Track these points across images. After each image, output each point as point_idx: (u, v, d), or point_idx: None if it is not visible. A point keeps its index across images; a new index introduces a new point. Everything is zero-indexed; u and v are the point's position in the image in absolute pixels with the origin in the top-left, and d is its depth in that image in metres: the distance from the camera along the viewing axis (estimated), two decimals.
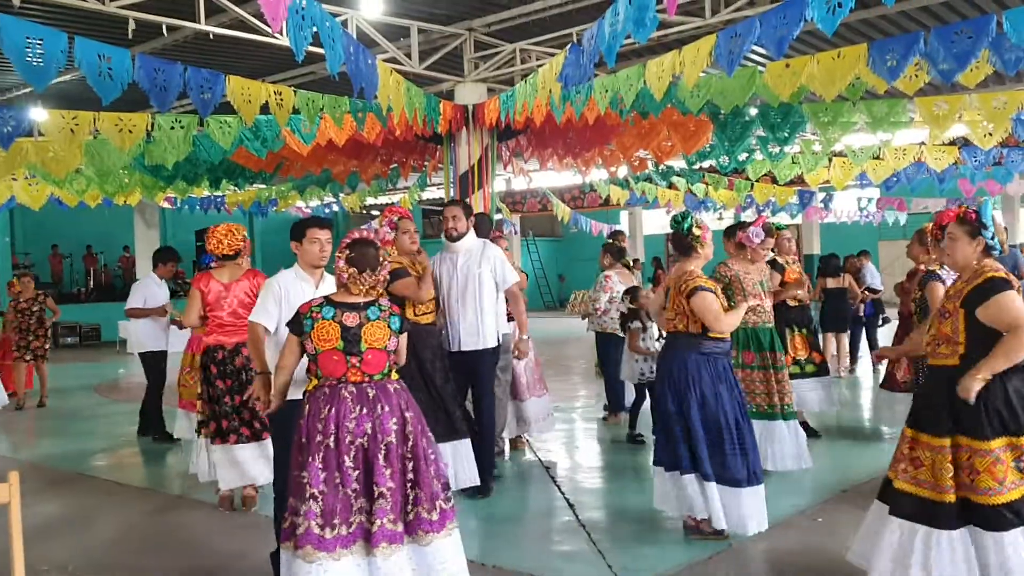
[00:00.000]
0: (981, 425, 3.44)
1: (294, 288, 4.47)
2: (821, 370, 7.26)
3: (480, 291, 5.73)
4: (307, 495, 3.58)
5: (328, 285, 4.46)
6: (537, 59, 11.03)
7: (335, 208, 16.04)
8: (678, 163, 12.47)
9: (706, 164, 12.93)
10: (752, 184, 14.52)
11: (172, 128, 7.17)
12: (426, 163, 12.19)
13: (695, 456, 4.43)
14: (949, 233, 3.70)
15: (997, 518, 3.38)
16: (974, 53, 6.40)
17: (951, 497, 3.44)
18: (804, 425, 7.16)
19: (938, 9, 10.49)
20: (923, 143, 11.73)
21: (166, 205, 14.85)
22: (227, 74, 6.04)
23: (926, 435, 3.59)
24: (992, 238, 3.58)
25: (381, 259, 3.91)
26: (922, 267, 6.48)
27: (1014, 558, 3.35)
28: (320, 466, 3.60)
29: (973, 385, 3.36)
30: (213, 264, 6.31)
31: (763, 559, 4.39)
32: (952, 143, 11.73)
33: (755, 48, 6.72)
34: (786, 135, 9.27)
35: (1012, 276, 3.54)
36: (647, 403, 6.92)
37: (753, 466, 4.51)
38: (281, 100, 6.45)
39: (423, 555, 3.63)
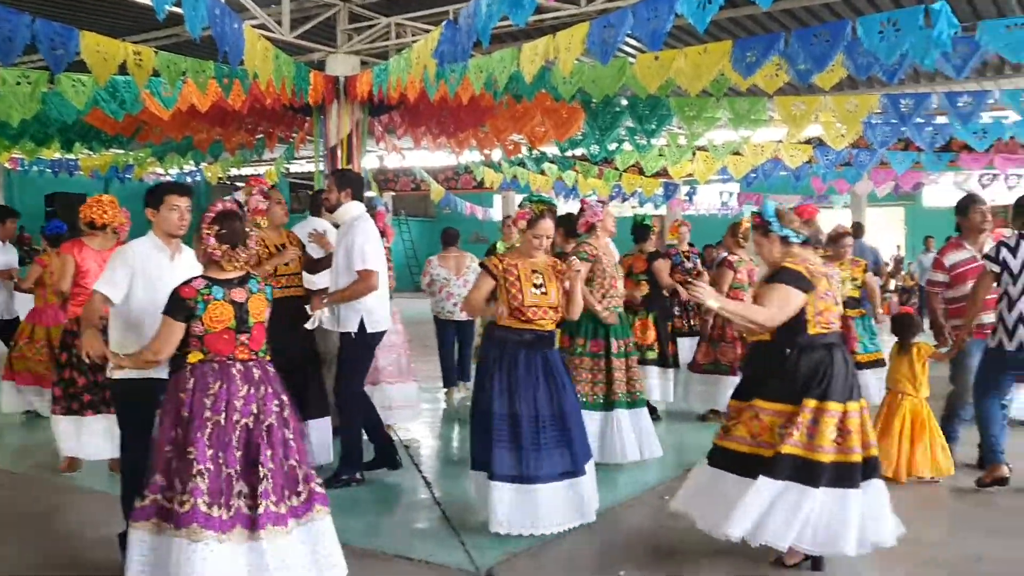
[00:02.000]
0: (791, 390, 3.88)
1: (151, 259, 4.21)
2: (662, 359, 7.34)
3: (336, 269, 5.41)
4: (194, 471, 3.43)
5: (187, 257, 4.24)
6: (413, 34, 10.89)
7: (197, 178, 15.43)
8: (551, 149, 12.60)
9: (578, 152, 13.14)
10: (620, 174, 14.84)
11: (18, 84, 6.70)
12: (294, 135, 11.88)
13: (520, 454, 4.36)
14: (754, 239, 4.17)
15: (844, 474, 3.82)
16: (830, 56, 6.71)
17: (789, 448, 3.82)
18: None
19: (800, 13, 10.95)
20: (780, 141, 12.24)
21: (9, 166, 13.91)
22: (83, 30, 5.67)
23: (755, 400, 3.97)
24: (781, 229, 4.00)
25: (249, 230, 3.80)
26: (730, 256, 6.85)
27: (854, 510, 3.77)
28: (207, 443, 3.47)
29: (707, 297, 3.79)
30: (81, 235, 5.98)
31: (620, 530, 4.50)
32: (807, 142, 12.28)
33: (625, 39, 6.83)
34: (653, 127, 9.51)
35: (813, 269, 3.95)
36: None
37: (579, 450, 4.51)
38: (140, 60, 6.11)
39: (306, 537, 3.58)
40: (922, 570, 3.90)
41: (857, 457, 3.85)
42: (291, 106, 9.47)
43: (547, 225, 4.71)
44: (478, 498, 4.58)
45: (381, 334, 5.53)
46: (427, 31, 9.35)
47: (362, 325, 5.37)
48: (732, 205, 19.20)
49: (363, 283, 5.21)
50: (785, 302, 3.82)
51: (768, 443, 3.86)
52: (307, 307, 5.43)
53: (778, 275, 3.93)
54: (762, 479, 3.77)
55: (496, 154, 12.86)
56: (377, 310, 5.45)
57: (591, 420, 5.45)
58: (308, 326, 5.34)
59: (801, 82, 7.26)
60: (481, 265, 4.69)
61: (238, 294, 3.62)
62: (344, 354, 5.41)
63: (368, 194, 10.62)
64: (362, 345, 5.43)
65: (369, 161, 22.74)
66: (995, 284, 5.15)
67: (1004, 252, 5.08)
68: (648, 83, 7.58)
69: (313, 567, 3.55)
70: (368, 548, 4.19)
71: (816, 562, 3.91)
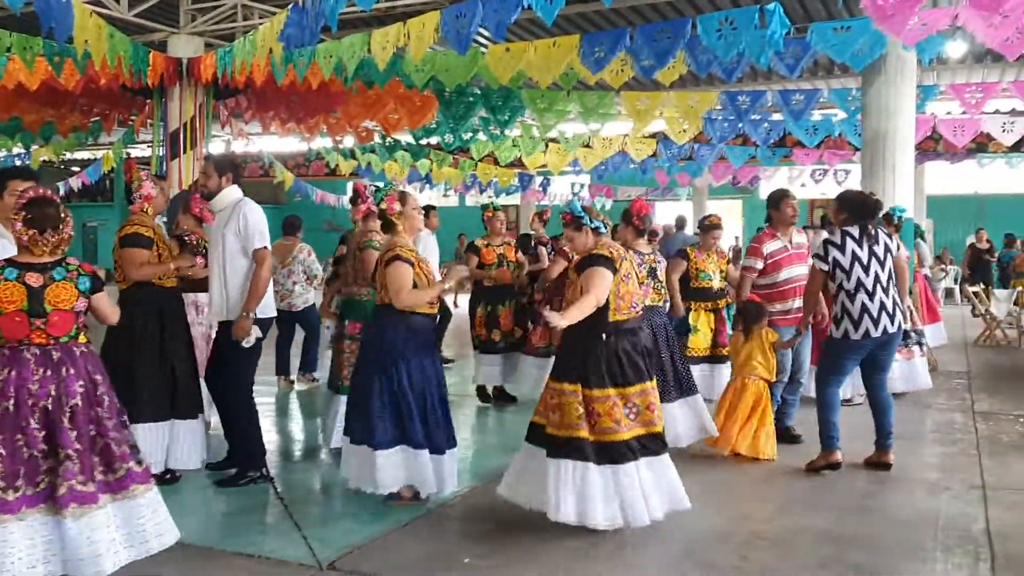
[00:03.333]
0: (600, 376, 4.13)
1: None
2: (489, 346, 7.35)
3: (223, 256, 5.06)
4: None
5: None
6: (260, 17, 10.53)
7: (27, 161, 14.44)
8: (405, 137, 12.52)
9: (433, 140, 13.10)
10: (475, 164, 14.92)
11: None
12: (133, 117, 11.30)
13: (405, 428, 4.45)
14: (567, 234, 4.45)
15: (619, 452, 4.07)
16: (672, 52, 6.95)
17: (583, 432, 4.07)
18: (501, 392, 7.57)
19: (645, 10, 11.28)
20: (627, 135, 12.60)
21: None
22: None
23: (560, 383, 4.21)
24: (591, 222, 4.35)
25: (63, 216, 3.65)
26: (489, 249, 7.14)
27: (629, 486, 4.04)
28: None
29: (556, 320, 3.96)
30: None
31: (462, 518, 4.51)
32: (652, 136, 12.69)
33: (482, 30, 6.86)
34: (507, 118, 9.60)
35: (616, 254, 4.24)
36: None
37: (449, 430, 4.63)
38: None
39: (123, 512, 3.61)
40: (747, 546, 4.07)
41: (659, 427, 4.24)
42: (129, 87, 9.00)
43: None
44: (359, 473, 4.54)
45: (268, 321, 5.24)
46: (274, 13, 9.07)
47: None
48: (584, 196, 19.64)
49: (265, 264, 5.03)
50: (602, 280, 4.13)
51: (572, 424, 4.10)
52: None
53: (591, 260, 4.24)
54: (564, 461, 4.07)
55: (348, 141, 12.66)
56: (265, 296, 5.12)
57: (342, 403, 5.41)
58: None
59: (645, 77, 7.48)
60: (396, 257, 4.54)
61: (34, 278, 3.58)
62: (232, 344, 5.10)
63: None
64: None
65: (214, 146, 21.98)
66: (830, 281, 5.37)
67: (833, 251, 5.27)
68: (500, 74, 7.64)
69: (134, 539, 3.62)
70: (205, 546, 4.04)
71: None
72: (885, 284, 5.25)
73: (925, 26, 6.48)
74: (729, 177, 16.70)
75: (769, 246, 6.08)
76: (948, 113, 12.64)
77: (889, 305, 5.24)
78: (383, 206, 4.73)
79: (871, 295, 5.20)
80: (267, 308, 5.17)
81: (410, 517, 4.44)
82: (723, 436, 5.65)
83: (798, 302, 5.93)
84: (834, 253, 5.25)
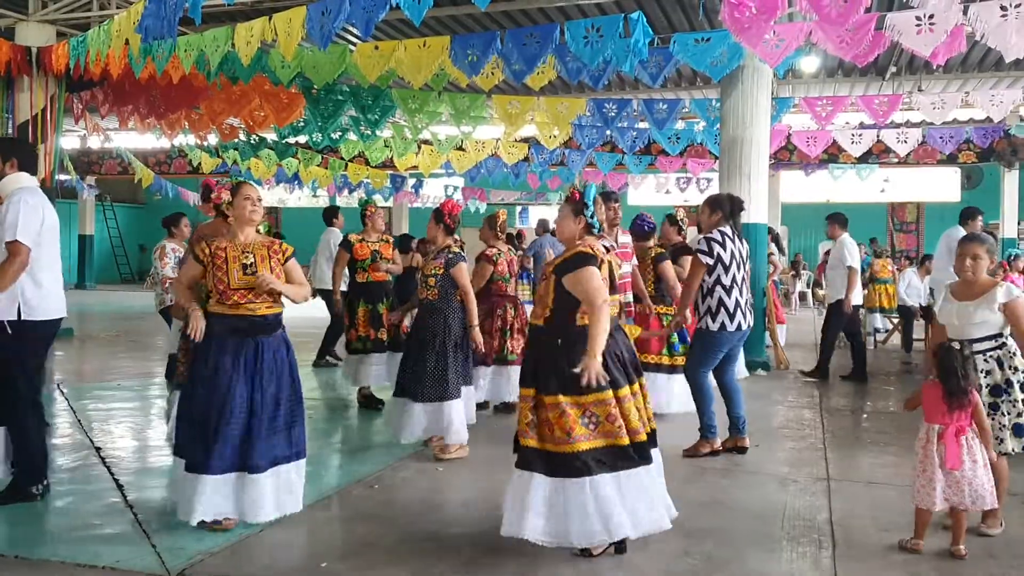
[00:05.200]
0: (551, 382, 3.78)
1: None
2: (377, 346, 7.24)
3: None
4: None
5: None
6: (117, 6, 10.08)
7: None
8: (271, 135, 12.21)
9: (301, 139, 12.84)
10: (345, 164, 14.71)
11: None
12: None
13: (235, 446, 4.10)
14: (559, 211, 4.10)
15: (568, 465, 3.71)
16: (540, 56, 7.06)
17: (531, 441, 3.81)
18: (370, 398, 7.42)
19: (517, 15, 11.39)
20: (499, 139, 12.69)
21: None
22: None
23: (521, 388, 3.92)
24: (592, 217, 4.00)
25: None
26: (363, 245, 7.03)
27: (591, 502, 3.70)
28: None
29: (591, 364, 3.61)
30: None
31: (321, 522, 4.42)
32: (524, 141, 12.83)
33: (352, 27, 6.77)
34: (376, 117, 9.51)
35: (600, 252, 3.94)
36: None
37: (299, 443, 4.35)
38: None
39: None
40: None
41: (642, 437, 3.84)
42: None
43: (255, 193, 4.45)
44: (181, 492, 4.32)
45: (49, 323, 4.80)
46: (131, 3, 8.70)
47: (19, 314, 4.57)
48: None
49: (13, 259, 4.43)
50: (595, 278, 3.79)
51: (522, 431, 3.83)
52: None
53: (578, 260, 3.85)
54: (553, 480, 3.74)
55: (212, 138, 12.25)
56: (35, 297, 4.61)
57: None
58: None
59: (516, 81, 7.57)
60: (191, 252, 4.38)
61: None
62: (4, 349, 4.68)
63: (63, 176, 9.71)
64: (19, 338, 4.59)
65: (69, 141, 20.90)
66: (707, 276, 5.66)
67: (716, 247, 5.61)
68: (368, 72, 7.56)
69: None
70: (44, 559, 3.81)
71: (621, 545, 3.88)
72: (745, 282, 5.72)
73: (783, 41, 6.84)
74: (600, 183, 17.06)
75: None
76: (807, 127, 13.28)
77: (749, 301, 5.74)
78: (212, 196, 4.58)
79: (741, 291, 5.65)
80: (48, 310, 4.74)
81: (262, 526, 4.31)
82: None
83: (624, 297, 6.27)
84: (718, 249, 5.59)
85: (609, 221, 6.45)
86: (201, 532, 4.15)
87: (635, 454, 3.80)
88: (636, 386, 3.92)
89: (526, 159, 13.71)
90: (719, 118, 9.83)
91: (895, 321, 12.21)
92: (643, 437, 3.84)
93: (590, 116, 10.26)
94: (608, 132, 11.76)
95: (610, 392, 3.79)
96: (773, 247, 11.16)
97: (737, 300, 5.61)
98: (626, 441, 3.77)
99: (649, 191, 17.74)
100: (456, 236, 6.19)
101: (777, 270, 11.22)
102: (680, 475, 5.30)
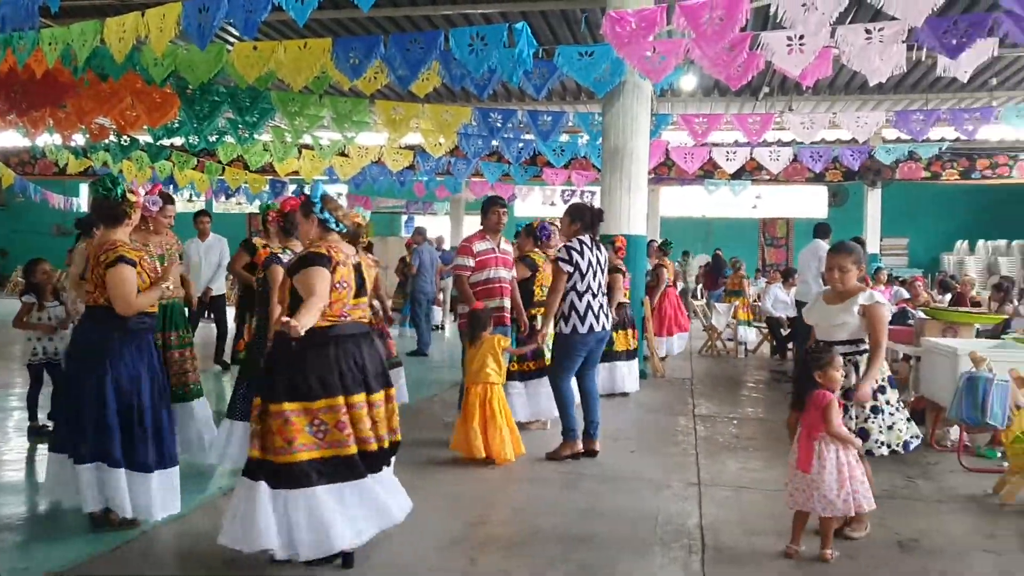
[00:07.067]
0: (275, 389, 3.70)
1: None
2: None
3: None
4: None
5: None
6: None
7: None
8: (144, 137, 11.73)
9: (177, 141, 12.37)
10: (223, 168, 14.27)
11: None
12: None
13: (103, 442, 4.06)
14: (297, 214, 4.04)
15: (289, 475, 3.62)
16: (425, 62, 7.02)
17: (254, 452, 3.67)
18: None
19: (402, 21, 11.34)
20: (383, 145, 12.57)
21: None
22: None
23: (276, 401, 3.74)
24: (322, 211, 3.89)
25: None
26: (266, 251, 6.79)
27: (310, 513, 3.59)
28: None
29: (289, 325, 3.50)
30: None
31: (175, 544, 4.22)
32: (409, 148, 12.75)
33: (229, 26, 6.58)
34: (255, 120, 9.24)
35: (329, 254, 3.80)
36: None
37: (167, 449, 4.31)
38: None
39: None
40: (479, 550, 4.14)
41: (357, 448, 3.76)
42: None
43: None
44: (56, 485, 4.13)
45: None
46: None
47: None
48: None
49: None
50: (320, 279, 3.70)
51: (280, 448, 3.66)
52: None
53: (308, 258, 3.79)
54: (263, 486, 3.61)
55: (79, 138, 11.68)
56: None
57: None
58: None
59: (401, 87, 7.51)
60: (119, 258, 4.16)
61: None
62: None
63: None
64: None
65: None
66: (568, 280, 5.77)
67: (575, 255, 5.77)
68: (246, 73, 7.36)
69: None
70: None
71: (348, 558, 3.80)
72: (600, 288, 5.91)
73: (663, 58, 7.01)
74: (486, 193, 17.09)
75: (478, 246, 6.52)
76: (684, 144, 13.64)
77: (604, 307, 5.93)
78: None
79: (595, 296, 5.83)
80: None
81: (120, 541, 4.10)
82: (463, 442, 5.73)
83: (502, 302, 6.46)
84: (577, 257, 5.76)
85: (493, 226, 6.58)
86: (49, 551, 3.94)
87: (362, 463, 3.77)
88: (378, 396, 3.87)
89: (412, 167, 13.62)
90: (601, 131, 9.99)
91: (764, 332, 12.69)
92: (373, 447, 3.81)
93: (476, 125, 10.27)
94: (494, 142, 11.85)
95: (341, 398, 3.74)
96: (666, 258, 11.54)
97: (589, 304, 5.79)
98: (353, 450, 3.74)
99: (536, 203, 17.89)
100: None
101: (677, 276, 11.52)
102: (558, 482, 5.34)
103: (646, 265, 10.32)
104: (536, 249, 7.15)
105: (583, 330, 5.77)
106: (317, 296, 3.67)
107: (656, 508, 4.84)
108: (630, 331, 8.57)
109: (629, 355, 8.47)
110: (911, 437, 4.34)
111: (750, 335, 12.92)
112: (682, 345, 11.33)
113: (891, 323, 8.02)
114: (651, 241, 11.24)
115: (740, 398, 8.78)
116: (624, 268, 8.54)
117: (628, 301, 8.67)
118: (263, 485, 3.62)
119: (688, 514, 4.73)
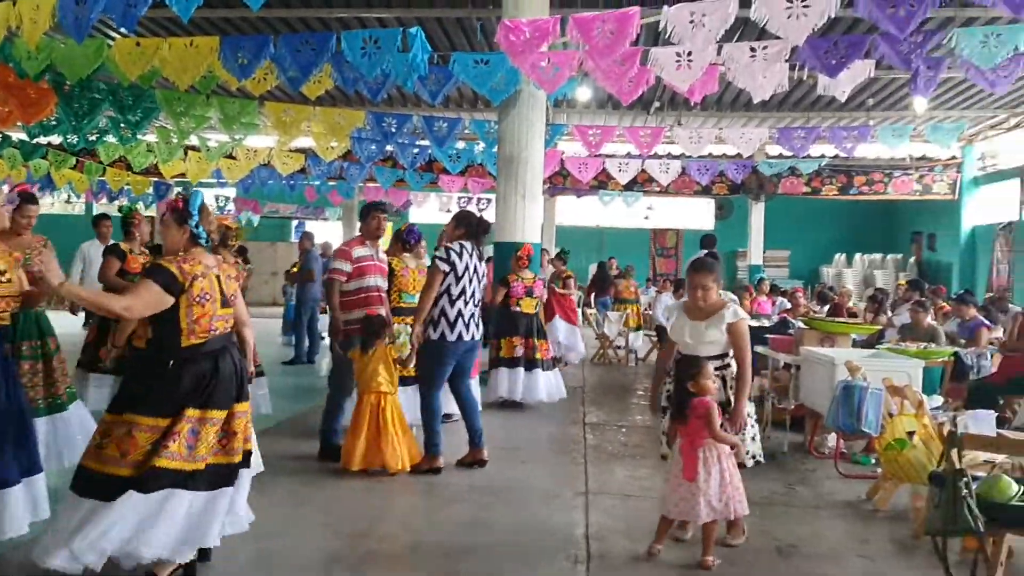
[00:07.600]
0: (170, 404, 3.59)
1: None
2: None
3: None
4: None
5: None
6: None
7: None
8: (18, 134, 11.14)
9: (55, 140, 11.79)
10: (104, 168, 13.69)
11: None
12: None
13: None
14: (162, 219, 3.87)
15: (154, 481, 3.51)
16: (316, 64, 6.90)
17: (126, 471, 3.52)
18: None
19: (295, 22, 11.12)
20: (273, 148, 12.31)
21: None
22: None
23: (127, 414, 3.63)
24: (197, 227, 3.77)
25: None
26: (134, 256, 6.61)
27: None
28: None
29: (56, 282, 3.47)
30: None
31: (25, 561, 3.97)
32: (300, 151, 12.51)
33: (110, 20, 6.31)
34: (138, 119, 8.88)
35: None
36: None
37: (31, 457, 4.06)
38: None
39: None
40: (360, 566, 4.06)
41: (238, 457, 3.76)
42: None
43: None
44: None
45: None
46: None
47: None
48: (229, 210, 18.83)
49: None
50: (147, 292, 3.57)
51: (136, 462, 3.54)
52: None
53: (149, 270, 3.69)
54: (134, 496, 3.48)
55: None
56: None
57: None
58: None
59: (293, 89, 7.35)
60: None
61: None
62: None
63: None
64: None
65: None
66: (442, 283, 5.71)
67: (454, 256, 5.69)
68: (128, 69, 7.08)
69: None
70: None
71: (190, 567, 3.69)
72: (474, 297, 5.82)
73: (557, 69, 7.07)
74: (380, 199, 16.92)
75: (357, 251, 6.27)
76: (578, 155, 13.81)
77: (476, 316, 5.85)
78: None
79: (466, 303, 5.74)
80: None
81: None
82: (350, 453, 5.60)
83: (379, 310, 6.17)
84: (455, 258, 5.68)
85: (372, 232, 6.39)
86: None
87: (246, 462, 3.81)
88: (212, 413, 3.68)
89: (303, 171, 13.35)
90: (497, 139, 10.02)
91: (653, 339, 12.94)
92: (223, 460, 3.71)
93: (369, 129, 10.15)
94: (388, 147, 11.74)
95: (148, 420, 3.59)
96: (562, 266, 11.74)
97: (460, 311, 5.70)
98: (249, 447, 3.83)
99: (432, 209, 17.80)
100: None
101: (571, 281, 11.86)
102: (446, 494, 5.29)
103: (540, 272, 10.40)
104: (405, 254, 6.92)
105: (452, 337, 5.65)
106: (127, 303, 3.56)
107: (544, 518, 4.84)
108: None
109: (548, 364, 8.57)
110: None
111: (639, 342, 13.16)
112: (572, 342, 11.50)
113: (773, 332, 8.40)
114: (544, 250, 11.37)
115: (630, 406, 8.91)
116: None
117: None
118: (175, 491, 3.54)
119: (575, 523, 4.75)
